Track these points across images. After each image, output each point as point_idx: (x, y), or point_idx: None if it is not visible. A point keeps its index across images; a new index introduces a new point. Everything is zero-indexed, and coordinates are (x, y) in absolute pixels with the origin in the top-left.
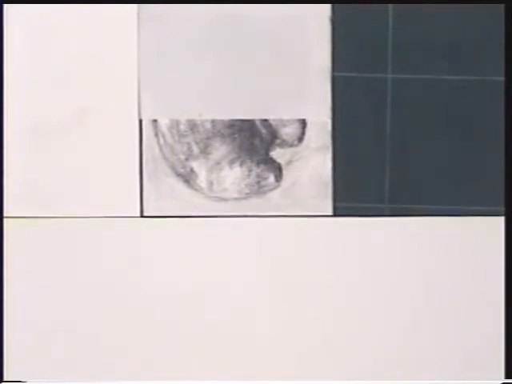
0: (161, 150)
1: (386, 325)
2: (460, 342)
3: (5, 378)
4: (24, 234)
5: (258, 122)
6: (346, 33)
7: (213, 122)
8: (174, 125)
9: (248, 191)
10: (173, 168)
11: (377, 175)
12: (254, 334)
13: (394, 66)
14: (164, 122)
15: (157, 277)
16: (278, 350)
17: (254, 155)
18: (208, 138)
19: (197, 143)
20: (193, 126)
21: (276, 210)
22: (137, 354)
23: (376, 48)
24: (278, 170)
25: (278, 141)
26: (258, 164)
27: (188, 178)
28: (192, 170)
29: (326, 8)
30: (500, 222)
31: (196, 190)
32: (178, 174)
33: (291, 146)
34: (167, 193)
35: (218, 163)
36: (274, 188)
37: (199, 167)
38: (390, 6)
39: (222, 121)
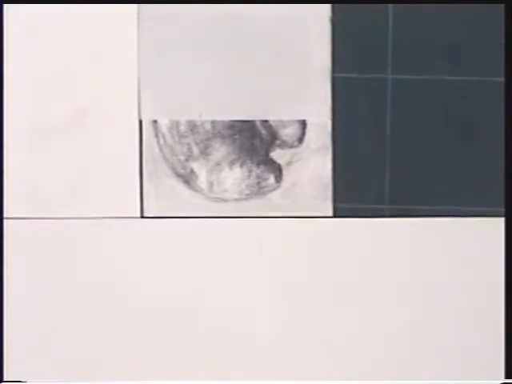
0: (161, 150)
1: (386, 325)
2: (460, 341)
3: (5, 378)
4: (24, 235)
5: (258, 123)
6: (345, 33)
7: (213, 122)
8: (174, 125)
9: (248, 192)
10: (173, 169)
11: (377, 176)
12: (254, 334)
13: (394, 67)
14: (164, 123)
15: (157, 277)
16: (278, 349)
17: (254, 156)
18: (208, 139)
19: (197, 144)
20: (193, 126)
21: (276, 211)
22: (137, 354)
23: (376, 48)
24: (278, 171)
25: (278, 142)
26: (258, 165)
27: (188, 178)
28: (192, 171)
29: (326, 8)
30: (500, 222)
31: (196, 190)
32: (178, 175)
33: (291, 146)
34: (167, 193)
35: (218, 164)
36: (274, 189)
37: (199, 168)
38: (390, 5)
39: (222, 121)
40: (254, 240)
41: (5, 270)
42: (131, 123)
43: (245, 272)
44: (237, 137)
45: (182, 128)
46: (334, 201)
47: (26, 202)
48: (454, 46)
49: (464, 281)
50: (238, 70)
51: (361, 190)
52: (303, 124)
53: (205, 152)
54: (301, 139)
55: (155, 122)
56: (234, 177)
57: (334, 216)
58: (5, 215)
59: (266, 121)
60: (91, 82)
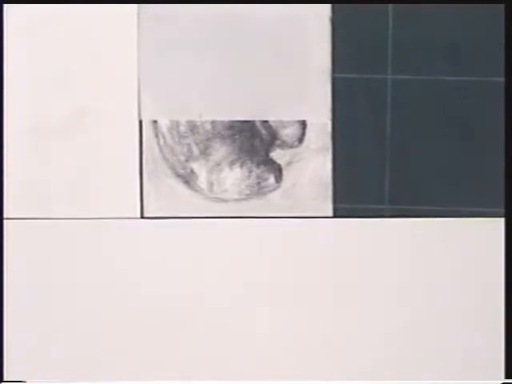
0: (161, 150)
1: (386, 325)
2: (460, 342)
3: (5, 378)
4: (24, 235)
5: (258, 123)
6: (346, 33)
7: (213, 123)
8: (174, 126)
9: (248, 192)
10: (173, 169)
11: (377, 176)
12: (254, 334)
13: (394, 67)
14: (164, 123)
15: (157, 277)
16: (278, 349)
17: (254, 156)
18: (208, 139)
19: (197, 144)
20: (193, 126)
21: (276, 211)
22: (137, 354)
23: (376, 48)
24: (278, 171)
25: (278, 142)
26: (258, 165)
27: (188, 178)
28: (192, 171)
29: (326, 8)
30: (500, 222)
31: (196, 190)
32: (178, 175)
33: (291, 147)
34: (167, 194)
35: (218, 164)
36: (274, 189)
37: (199, 168)
38: (390, 5)
39: (222, 122)
40: (254, 240)
41: (5, 269)
42: (131, 123)
43: (245, 272)
44: (237, 137)
45: (182, 128)
46: (334, 201)
47: (26, 201)
48: (454, 45)
49: (464, 281)
50: (238, 69)
51: (361, 190)
52: (303, 124)
53: (205, 152)
54: (301, 139)
55: (155, 122)
56: (233, 177)
57: (334, 216)
58: (5, 215)
59: (266, 121)
60: (91, 82)
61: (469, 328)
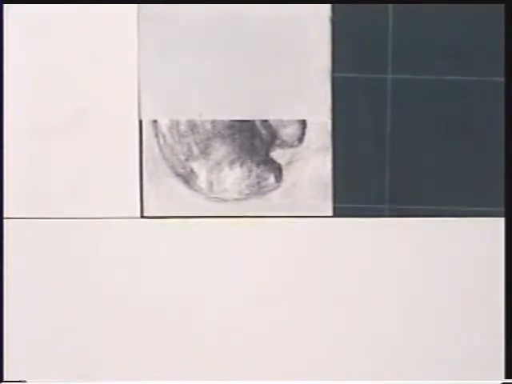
0: (161, 150)
1: (386, 325)
2: (460, 342)
3: (5, 378)
4: (24, 235)
5: (258, 123)
6: (346, 33)
7: (213, 122)
8: (174, 125)
9: (248, 192)
10: (173, 168)
11: (377, 176)
12: (254, 334)
13: (394, 67)
14: (164, 123)
15: (157, 277)
16: (278, 349)
17: (254, 156)
18: (208, 139)
19: (197, 144)
20: (193, 126)
21: (276, 211)
22: (137, 354)
23: (376, 48)
24: (278, 171)
25: (278, 141)
26: (258, 165)
27: (188, 178)
28: (192, 171)
29: (326, 8)
30: (500, 222)
31: (196, 190)
32: (178, 175)
33: (291, 146)
34: (167, 193)
35: (218, 164)
36: (274, 189)
37: (199, 168)
38: (390, 6)
39: (222, 121)
40: (254, 240)
41: (5, 269)
42: (131, 123)
43: (245, 272)
44: (237, 136)
45: (182, 128)
46: (334, 201)
47: (26, 201)
48: (454, 45)
49: (464, 281)
50: (238, 70)
51: (361, 190)
52: (303, 124)
53: (205, 152)
54: (301, 139)
55: (155, 121)
56: (233, 176)
57: (334, 216)
58: (5, 215)
59: (266, 121)
60: (91, 82)
61: (468, 328)
